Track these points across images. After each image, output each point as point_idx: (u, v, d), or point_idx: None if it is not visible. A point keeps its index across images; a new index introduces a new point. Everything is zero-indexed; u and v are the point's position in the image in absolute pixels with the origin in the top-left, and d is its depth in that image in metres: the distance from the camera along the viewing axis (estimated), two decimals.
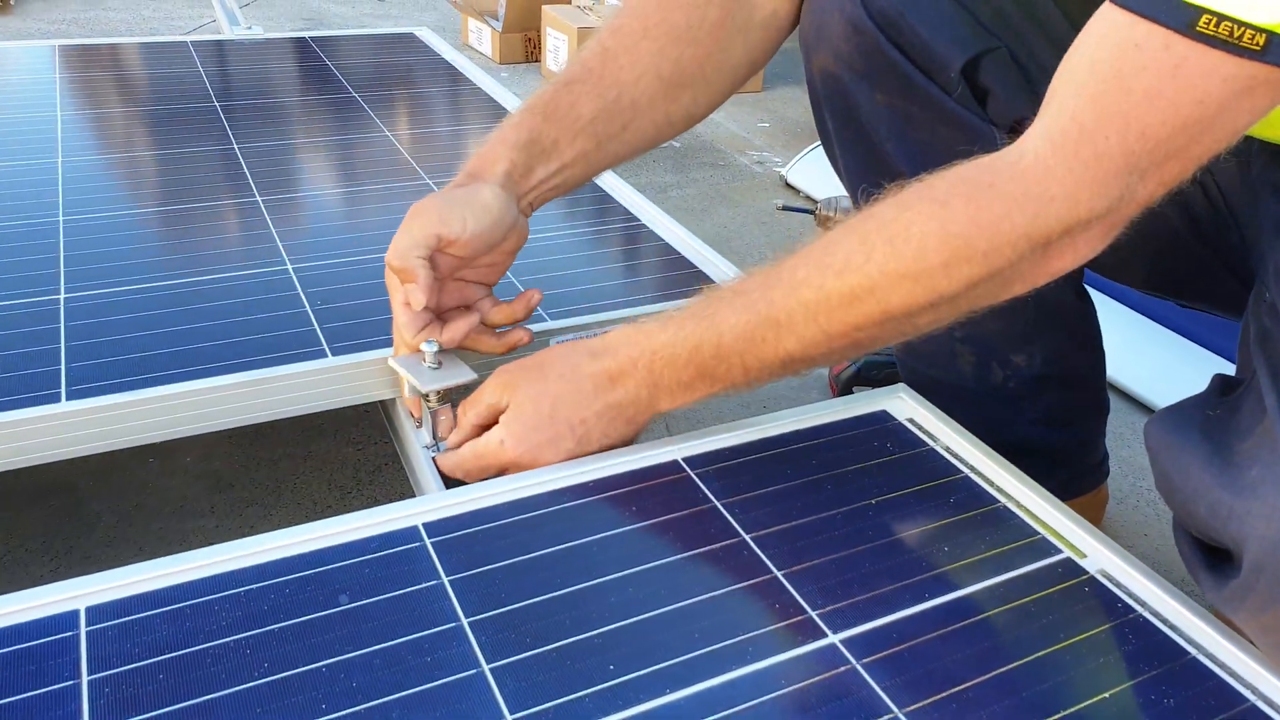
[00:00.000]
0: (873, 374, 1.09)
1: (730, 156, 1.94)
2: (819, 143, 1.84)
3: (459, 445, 0.61)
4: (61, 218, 0.88)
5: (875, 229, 0.51)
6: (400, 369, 0.65)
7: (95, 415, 0.63)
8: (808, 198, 1.73)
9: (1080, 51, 0.48)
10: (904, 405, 0.67)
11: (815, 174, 1.76)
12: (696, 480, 0.58)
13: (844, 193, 1.42)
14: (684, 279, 0.85)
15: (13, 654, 0.43)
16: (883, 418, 0.65)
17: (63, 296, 0.76)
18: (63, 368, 0.67)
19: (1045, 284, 0.65)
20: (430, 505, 0.54)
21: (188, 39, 1.44)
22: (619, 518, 0.54)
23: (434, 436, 0.64)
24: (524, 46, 2.43)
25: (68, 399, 0.63)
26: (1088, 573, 0.52)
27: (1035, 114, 0.65)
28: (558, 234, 0.92)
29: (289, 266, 0.82)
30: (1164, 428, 0.52)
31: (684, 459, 0.60)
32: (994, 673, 0.46)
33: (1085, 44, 0.47)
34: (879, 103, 0.68)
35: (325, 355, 0.69)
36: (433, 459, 0.63)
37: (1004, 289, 0.52)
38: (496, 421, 0.60)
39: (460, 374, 0.64)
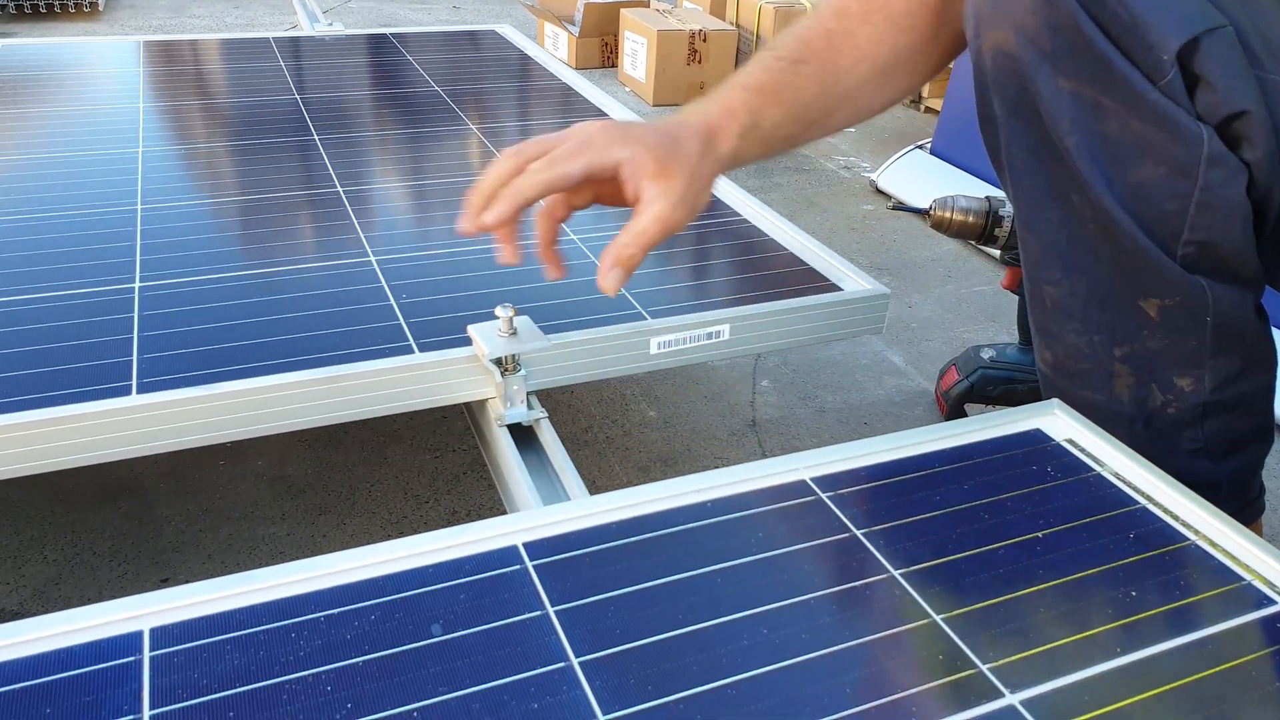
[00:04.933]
0: (988, 390, 1.00)
1: (816, 161, 1.86)
2: (910, 148, 1.76)
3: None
4: (140, 206, 0.85)
5: None
6: (475, 335, 0.63)
7: (168, 410, 0.58)
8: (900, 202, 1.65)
9: None
10: (1060, 423, 0.59)
11: (905, 179, 1.68)
12: (830, 504, 0.50)
13: (954, 192, 1.33)
14: (792, 276, 0.78)
15: (69, 680, 0.38)
16: (1037, 437, 0.57)
17: (138, 285, 0.72)
18: (134, 359, 0.62)
19: (1227, 301, 0.55)
20: (532, 523, 0.48)
21: (269, 35, 1.43)
22: (745, 544, 0.47)
23: (505, 406, 0.62)
24: (600, 51, 2.39)
25: (139, 392, 0.59)
26: None
27: (1254, 107, 0.55)
28: None
29: (372, 258, 0.77)
30: None
31: (812, 479, 0.52)
32: None
33: None
34: (1063, 88, 0.58)
35: (412, 351, 0.64)
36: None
37: None
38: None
39: (535, 341, 0.61)
